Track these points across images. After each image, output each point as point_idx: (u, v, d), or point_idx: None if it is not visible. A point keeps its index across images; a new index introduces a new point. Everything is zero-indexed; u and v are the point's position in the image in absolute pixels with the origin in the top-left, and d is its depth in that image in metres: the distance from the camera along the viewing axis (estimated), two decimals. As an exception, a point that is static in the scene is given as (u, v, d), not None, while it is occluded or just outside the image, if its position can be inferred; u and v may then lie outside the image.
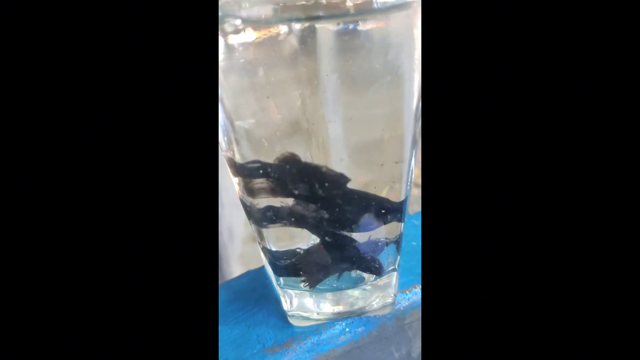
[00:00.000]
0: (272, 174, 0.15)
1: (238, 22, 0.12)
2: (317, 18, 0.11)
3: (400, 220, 0.17)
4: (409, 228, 0.27)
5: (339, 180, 0.15)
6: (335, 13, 0.12)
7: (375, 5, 0.12)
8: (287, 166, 0.14)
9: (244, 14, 0.12)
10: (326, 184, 0.14)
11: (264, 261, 0.22)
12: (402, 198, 0.17)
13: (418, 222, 0.28)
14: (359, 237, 0.17)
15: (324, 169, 0.14)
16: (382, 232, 0.17)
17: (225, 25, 0.12)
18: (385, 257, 0.19)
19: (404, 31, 0.12)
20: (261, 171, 0.15)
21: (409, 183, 0.17)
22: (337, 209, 0.15)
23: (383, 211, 0.16)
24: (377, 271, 0.18)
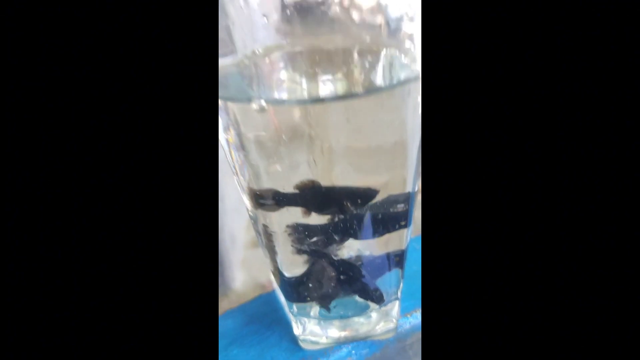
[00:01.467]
0: (294, 202, 0.16)
1: (263, 102, 0.13)
2: (330, 99, 0.13)
3: (404, 230, 0.18)
4: (410, 252, 0.28)
5: (368, 194, 0.16)
6: (345, 95, 0.13)
7: (382, 84, 0.14)
8: (310, 192, 0.15)
9: (265, 91, 0.14)
10: (359, 200, 0.16)
11: (275, 286, 0.24)
12: (406, 219, 0.18)
13: (418, 246, 0.30)
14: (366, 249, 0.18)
15: (351, 189, 0.15)
16: (387, 246, 0.18)
17: (253, 105, 0.14)
18: (388, 285, 0.20)
19: (407, 104, 0.14)
20: (280, 198, 0.16)
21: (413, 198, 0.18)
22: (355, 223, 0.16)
23: (402, 224, 0.17)
24: (378, 300, 0.20)
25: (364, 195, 0.16)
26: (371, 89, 0.14)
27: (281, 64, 0.15)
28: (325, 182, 0.16)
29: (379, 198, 0.16)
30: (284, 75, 0.15)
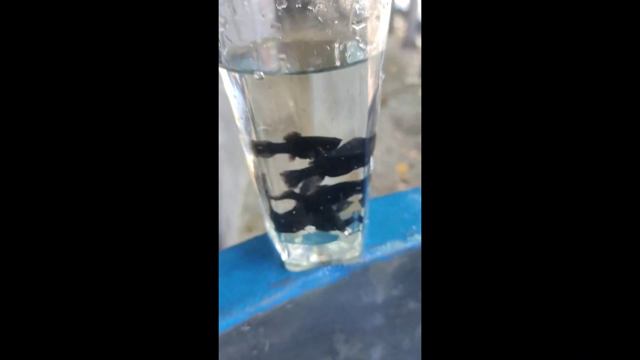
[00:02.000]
0: (282, 149, 0.22)
1: (262, 73, 0.20)
2: (311, 72, 0.20)
3: (362, 168, 0.24)
4: (378, 208, 0.35)
5: (334, 142, 0.22)
6: (323, 68, 0.20)
7: (348, 61, 0.20)
8: (293, 141, 0.21)
9: (262, 66, 0.20)
10: (327, 146, 0.22)
11: (267, 228, 0.30)
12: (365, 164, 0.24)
13: (384, 203, 0.36)
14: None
15: (322, 138, 0.21)
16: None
17: (254, 75, 0.20)
18: (350, 221, 0.27)
19: (358, 77, 0.21)
20: (273, 147, 0.22)
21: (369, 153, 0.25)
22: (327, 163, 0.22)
23: (359, 163, 0.23)
24: (340, 227, 0.26)
25: (331, 142, 0.22)
26: (336, 67, 0.20)
27: (274, 50, 0.21)
28: (306, 132, 0.22)
29: (342, 143, 0.22)
30: (276, 57, 0.21)
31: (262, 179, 0.25)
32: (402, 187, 1.65)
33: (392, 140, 2.02)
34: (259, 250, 0.30)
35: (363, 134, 0.23)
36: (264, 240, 0.31)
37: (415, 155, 1.85)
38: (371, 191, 0.27)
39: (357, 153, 0.23)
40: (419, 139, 2.04)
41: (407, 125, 2.16)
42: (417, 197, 0.36)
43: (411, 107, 2.41)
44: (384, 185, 1.63)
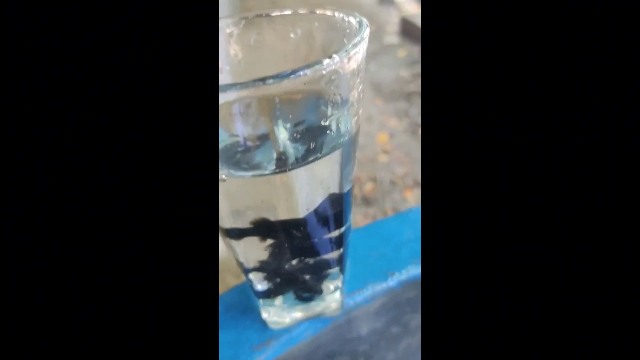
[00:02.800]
0: (251, 233, 0.21)
1: (224, 176, 0.18)
2: (282, 171, 0.18)
3: (340, 247, 0.24)
4: (355, 244, 0.34)
5: (302, 222, 0.21)
6: (294, 166, 0.18)
7: (321, 153, 0.19)
8: (261, 226, 0.21)
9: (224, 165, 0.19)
10: (301, 228, 0.21)
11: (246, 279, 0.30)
12: (345, 226, 0.24)
13: (364, 234, 0.36)
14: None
15: (290, 221, 0.21)
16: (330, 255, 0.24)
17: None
18: (330, 279, 0.26)
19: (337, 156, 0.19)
20: (244, 232, 0.21)
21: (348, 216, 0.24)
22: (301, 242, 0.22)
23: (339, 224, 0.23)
24: (319, 293, 0.26)
25: (303, 222, 0.21)
26: (310, 160, 0.19)
27: (237, 112, 0.19)
28: (276, 215, 0.21)
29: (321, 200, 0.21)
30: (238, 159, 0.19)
31: (236, 259, 0.24)
32: (384, 158, 1.65)
33: (372, 107, 1.99)
34: (238, 305, 0.30)
35: (337, 190, 0.22)
36: (243, 291, 0.31)
37: (396, 124, 1.83)
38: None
39: (335, 212, 0.22)
40: (399, 105, 2.01)
41: (386, 90, 2.12)
42: (397, 226, 0.35)
43: (390, 70, 2.35)
44: (366, 157, 1.62)
